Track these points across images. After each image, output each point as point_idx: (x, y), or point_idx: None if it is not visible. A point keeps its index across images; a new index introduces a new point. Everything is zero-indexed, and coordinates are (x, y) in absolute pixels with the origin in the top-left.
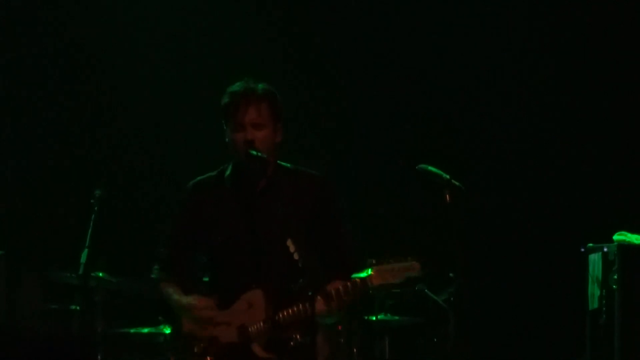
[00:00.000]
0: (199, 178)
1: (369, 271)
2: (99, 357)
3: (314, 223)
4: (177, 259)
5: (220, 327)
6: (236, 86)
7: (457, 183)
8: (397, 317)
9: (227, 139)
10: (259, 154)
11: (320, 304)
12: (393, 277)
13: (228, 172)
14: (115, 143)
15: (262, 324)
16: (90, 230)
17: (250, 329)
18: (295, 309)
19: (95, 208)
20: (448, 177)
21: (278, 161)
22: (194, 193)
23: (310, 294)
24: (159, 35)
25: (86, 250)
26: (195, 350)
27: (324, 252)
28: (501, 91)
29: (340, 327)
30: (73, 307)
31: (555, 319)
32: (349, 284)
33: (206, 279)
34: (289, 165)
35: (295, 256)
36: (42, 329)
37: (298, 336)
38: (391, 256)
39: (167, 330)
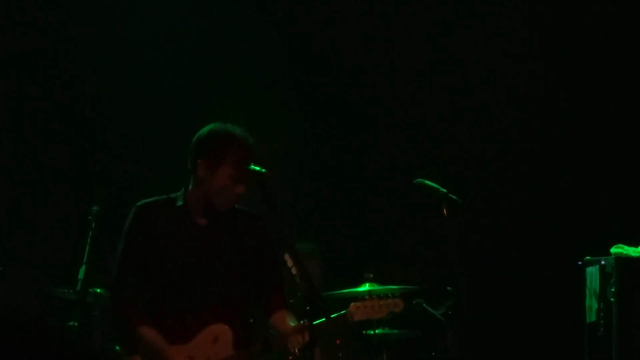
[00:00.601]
0: (146, 200)
1: (349, 306)
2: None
3: (257, 259)
4: (132, 283)
5: None
6: (242, 137)
7: (454, 197)
8: (395, 331)
9: (206, 175)
10: (259, 168)
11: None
12: (375, 313)
13: (180, 202)
14: (113, 159)
15: (228, 357)
16: (87, 247)
17: None
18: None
19: (93, 224)
20: (445, 191)
21: None
22: (144, 213)
23: (307, 308)
24: (158, 35)
25: (84, 267)
26: None
27: (263, 284)
28: (499, 104)
29: (338, 342)
30: (71, 322)
31: (553, 331)
32: (328, 321)
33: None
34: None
35: (293, 270)
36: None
37: (296, 350)
38: (374, 295)
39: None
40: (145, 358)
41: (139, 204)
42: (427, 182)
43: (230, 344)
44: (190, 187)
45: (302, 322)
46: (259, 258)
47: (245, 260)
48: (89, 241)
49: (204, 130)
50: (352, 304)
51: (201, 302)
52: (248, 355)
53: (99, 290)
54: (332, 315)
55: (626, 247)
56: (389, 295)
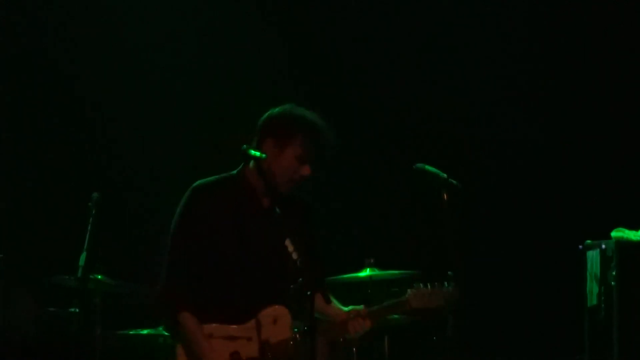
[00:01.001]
0: (203, 181)
1: (407, 293)
2: (97, 359)
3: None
4: (188, 269)
5: (241, 342)
6: (313, 119)
7: (454, 182)
8: (396, 317)
9: (275, 154)
10: (257, 153)
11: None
12: (431, 302)
13: (240, 182)
14: (113, 146)
15: (286, 340)
16: (88, 233)
17: (274, 345)
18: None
19: (93, 211)
20: (445, 176)
21: None
22: (201, 196)
23: (308, 293)
24: (158, 35)
25: (84, 253)
26: None
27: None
28: (498, 88)
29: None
30: (72, 309)
31: (554, 316)
32: (385, 307)
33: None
34: None
35: (294, 256)
36: (38, 333)
37: (297, 335)
38: (431, 281)
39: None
40: (185, 349)
41: (195, 185)
42: (427, 167)
43: (289, 326)
44: (251, 166)
45: (360, 307)
46: (310, 242)
47: (302, 243)
48: (89, 228)
49: (276, 109)
50: (409, 290)
51: (264, 282)
52: (302, 340)
53: (99, 277)
54: (388, 302)
55: (627, 231)
56: (445, 283)
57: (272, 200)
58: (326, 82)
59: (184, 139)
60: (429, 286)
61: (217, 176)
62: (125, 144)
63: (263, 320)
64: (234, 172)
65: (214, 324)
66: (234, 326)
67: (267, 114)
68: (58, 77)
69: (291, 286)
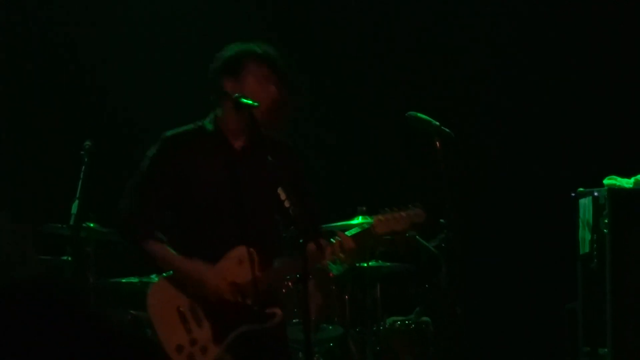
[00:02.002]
0: (175, 130)
1: (371, 221)
2: (90, 307)
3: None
4: (148, 212)
5: (211, 285)
6: (259, 46)
7: (446, 130)
8: (388, 264)
9: (235, 86)
10: (250, 102)
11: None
12: (397, 225)
13: (210, 126)
14: (106, 93)
15: (254, 278)
16: (80, 182)
17: (242, 285)
18: (286, 264)
19: (86, 159)
20: (438, 123)
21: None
22: (170, 144)
23: (301, 241)
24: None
25: (77, 202)
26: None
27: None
28: (490, 39)
29: (331, 274)
30: (64, 258)
31: (546, 263)
32: (356, 233)
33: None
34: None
35: (286, 204)
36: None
37: (290, 284)
38: (394, 206)
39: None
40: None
41: (165, 135)
42: (419, 115)
43: (255, 264)
44: (219, 111)
45: (335, 238)
46: (301, 186)
47: (275, 183)
48: (81, 176)
49: (219, 53)
50: (374, 216)
51: (230, 226)
52: (271, 276)
53: (92, 225)
54: (355, 232)
55: (619, 179)
56: (409, 206)
57: (252, 144)
58: (315, 30)
59: (177, 86)
60: (393, 210)
61: (186, 126)
62: (118, 91)
63: (227, 262)
64: (206, 120)
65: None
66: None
67: (211, 66)
68: (49, 24)
69: (284, 234)
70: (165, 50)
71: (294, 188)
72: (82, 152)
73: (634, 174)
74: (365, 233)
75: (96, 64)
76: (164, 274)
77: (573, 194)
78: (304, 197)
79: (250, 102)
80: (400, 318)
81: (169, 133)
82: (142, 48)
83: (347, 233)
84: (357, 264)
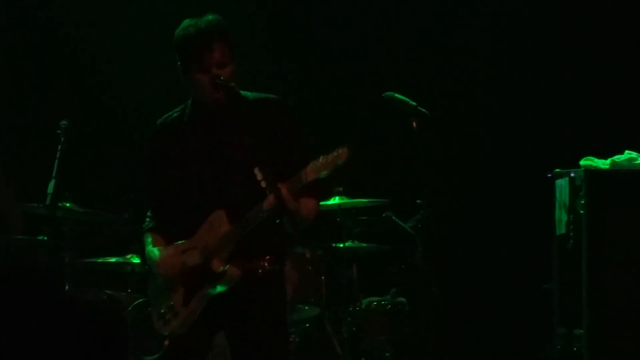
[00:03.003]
0: (164, 116)
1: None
2: (66, 287)
3: (275, 146)
4: (159, 201)
5: (188, 253)
6: (192, 27)
7: (423, 110)
8: (364, 245)
9: (186, 79)
10: (226, 82)
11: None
12: (325, 168)
13: (188, 109)
14: (84, 72)
15: (221, 236)
16: (57, 161)
17: (211, 246)
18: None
19: (62, 139)
20: (415, 104)
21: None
22: (160, 132)
23: (277, 221)
24: None
25: (53, 181)
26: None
27: (285, 172)
28: (469, 17)
29: (308, 255)
30: (40, 237)
31: (523, 244)
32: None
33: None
34: (242, 92)
35: (263, 184)
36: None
37: (266, 264)
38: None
39: (135, 260)
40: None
41: (156, 123)
42: (396, 95)
43: (225, 225)
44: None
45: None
46: (275, 142)
47: (259, 148)
48: (58, 155)
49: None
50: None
51: (209, 197)
52: (239, 227)
53: (68, 205)
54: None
55: (596, 160)
56: (335, 149)
57: (221, 115)
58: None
59: (153, 67)
60: (321, 157)
61: (174, 110)
62: (96, 70)
63: (202, 229)
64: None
65: (177, 244)
66: (186, 241)
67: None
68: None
69: (260, 215)
70: (151, 39)
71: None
72: (58, 132)
73: (611, 155)
74: (298, 178)
75: (76, 42)
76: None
77: (549, 175)
78: (291, 152)
79: (225, 82)
80: (376, 298)
81: (159, 120)
82: (143, 38)
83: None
84: (333, 245)
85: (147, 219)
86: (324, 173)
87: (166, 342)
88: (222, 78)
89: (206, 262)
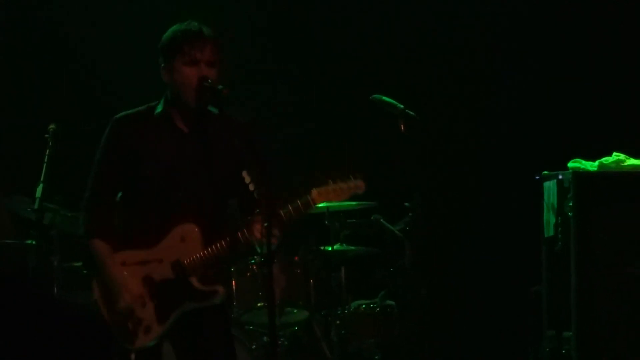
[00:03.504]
0: (124, 112)
1: (311, 193)
2: (55, 291)
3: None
4: (106, 198)
5: (152, 265)
6: (186, 25)
7: (411, 113)
8: (353, 248)
9: (169, 74)
10: (214, 85)
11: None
12: (336, 196)
13: (160, 109)
14: (73, 75)
15: (197, 256)
16: (45, 165)
17: (185, 263)
18: (228, 239)
19: (50, 142)
20: (402, 107)
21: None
22: (121, 126)
23: (265, 225)
24: None
25: (41, 185)
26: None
27: (244, 187)
28: (459, 17)
29: (296, 258)
30: (29, 242)
31: (511, 246)
32: (291, 207)
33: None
34: (215, 110)
35: (251, 187)
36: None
37: (254, 267)
38: (335, 177)
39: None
40: (98, 280)
41: (116, 117)
42: (384, 97)
43: (199, 242)
44: (168, 95)
45: (257, 211)
46: (240, 162)
47: (225, 163)
48: (46, 159)
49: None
50: (313, 189)
51: (176, 205)
52: (216, 252)
53: (56, 208)
54: (293, 204)
55: (584, 162)
56: (350, 177)
57: (192, 123)
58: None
59: (142, 69)
60: (334, 182)
61: (137, 108)
62: (85, 74)
63: (170, 241)
64: (158, 103)
65: (127, 251)
66: (145, 250)
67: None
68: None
69: (248, 217)
70: (127, 34)
71: (258, 169)
72: (46, 136)
73: (599, 157)
74: (304, 204)
75: (67, 47)
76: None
77: (537, 177)
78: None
79: (213, 85)
80: (365, 301)
81: (119, 115)
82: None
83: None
84: (322, 248)
85: (87, 213)
86: (336, 200)
87: (133, 357)
88: (210, 81)
89: (181, 278)
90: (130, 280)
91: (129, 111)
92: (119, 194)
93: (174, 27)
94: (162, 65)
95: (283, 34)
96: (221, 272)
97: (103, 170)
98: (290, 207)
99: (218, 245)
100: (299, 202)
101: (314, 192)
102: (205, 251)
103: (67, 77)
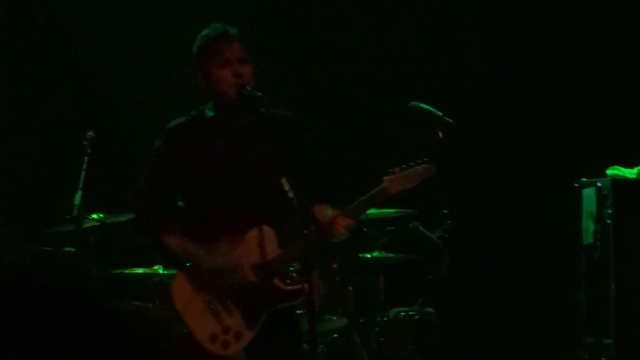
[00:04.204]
0: (177, 120)
1: (383, 180)
2: (93, 298)
3: (293, 161)
4: (159, 204)
5: (234, 272)
6: (212, 29)
7: (449, 120)
8: (391, 255)
9: (207, 81)
10: (253, 92)
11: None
12: (409, 182)
13: (211, 113)
14: (109, 82)
15: (278, 257)
16: (83, 172)
17: (267, 265)
18: (305, 237)
19: (88, 150)
20: (440, 114)
21: None
22: (174, 135)
23: (305, 232)
24: None
25: (80, 192)
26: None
27: (300, 182)
28: (490, 33)
29: (335, 265)
30: (67, 249)
31: (550, 254)
32: (365, 200)
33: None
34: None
35: (290, 194)
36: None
37: (294, 274)
38: (402, 165)
39: (162, 271)
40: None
41: (168, 125)
42: (421, 105)
43: (275, 244)
44: (213, 101)
45: (339, 210)
46: (293, 156)
47: (281, 160)
48: (84, 167)
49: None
50: (384, 177)
51: (242, 208)
52: (293, 252)
53: (95, 216)
54: (366, 195)
55: (622, 169)
56: (419, 161)
57: (254, 125)
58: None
59: (178, 77)
60: (403, 167)
61: (187, 115)
62: (120, 80)
63: (247, 245)
64: (207, 105)
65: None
66: (221, 258)
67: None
68: (50, 14)
69: (288, 225)
70: (166, 44)
71: (297, 174)
72: (84, 143)
73: (637, 164)
74: (378, 194)
75: (98, 54)
76: (187, 264)
77: (576, 185)
78: (307, 173)
79: (252, 92)
80: (403, 309)
81: (172, 124)
82: (144, 41)
83: (362, 197)
84: (360, 255)
85: (141, 218)
86: (409, 187)
87: None
88: (248, 88)
89: (265, 281)
90: (210, 289)
91: (181, 118)
92: (180, 203)
93: (200, 35)
94: (199, 74)
95: (283, 34)
96: (303, 271)
97: (158, 174)
98: (363, 199)
99: (296, 244)
100: (372, 192)
101: (386, 180)
102: (284, 251)
103: (91, 85)
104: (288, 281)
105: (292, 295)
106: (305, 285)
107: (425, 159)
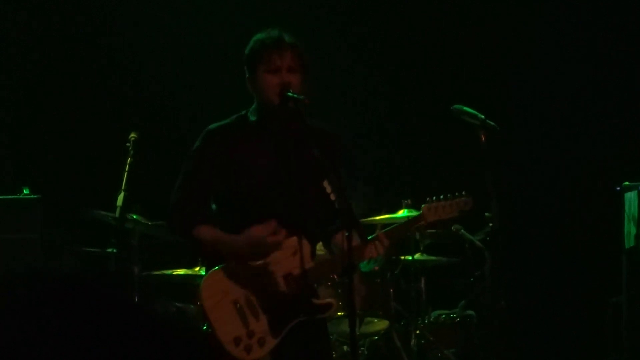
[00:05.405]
0: (217, 124)
1: (421, 209)
2: (135, 299)
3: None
4: (194, 203)
5: (265, 278)
6: (267, 34)
7: (491, 123)
8: (433, 257)
9: (254, 85)
10: (296, 95)
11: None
12: (446, 213)
13: (254, 117)
14: (153, 84)
15: (310, 269)
16: (126, 174)
17: (299, 276)
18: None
19: (131, 151)
20: (483, 117)
21: None
22: (214, 136)
23: (347, 234)
24: None
25: (122, 194)
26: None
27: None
28: (534, 32)
29: (376, 268)
30: (110, 250)
31: (591, 257)
32: (401, 226)
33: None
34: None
35: (332, 197)
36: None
37: (335, 276)
38: (442, 195)
39: (204, 272)
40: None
41: (209, 128)
42: (465, 108)
43: (309, 256)
44: (257, 105)
45: (377, 233)
46: (325, 171)
47: (324, 164)
48: (127, 168)
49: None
50: (423, 205)
51: (278, 215)
52: (327, 267)
53: (137, 217)
54: (404, 220)
55: None
56: (457, 194)
57: (296, 133)
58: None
59: (220, 78)
60: (441, 198)
61: (229, 118)
62: (164, 82)
63: (282, 254)
64: (249, 110)
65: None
66: (252, 263)
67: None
68: (95, 16)
69: (329, 227)
70: (207, 45)
71: (339, 179)
72: (127, 144)
73: None
74: (415, 220)
75: (142, 56)
76: (216, 267)
77: (618, 188)
78: (348, 183)
79: (295, 95)
80: (445, 311)
81: (213, 126)
82: (190, 44)
83: (399, 222)
84: (402, 258)
85: (177, 215)
86: (445, 218)
87: None
88: (291, 90)
89: (294, 292)
90: (239, 291)
91: (221, 122)
92: (213, 206)
93: (255, 37)
94: (247, 76)
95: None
96: (333, 285)
97: (195, 175)
98: (400, 224)
99: (330, 260)
100: (409, 218)
101: (424, 208)
102: (317, 264)
103: (136, 86)
104: (317, 294)
105: (320, 309)
106: (333, 301)
107: (464, 193)
